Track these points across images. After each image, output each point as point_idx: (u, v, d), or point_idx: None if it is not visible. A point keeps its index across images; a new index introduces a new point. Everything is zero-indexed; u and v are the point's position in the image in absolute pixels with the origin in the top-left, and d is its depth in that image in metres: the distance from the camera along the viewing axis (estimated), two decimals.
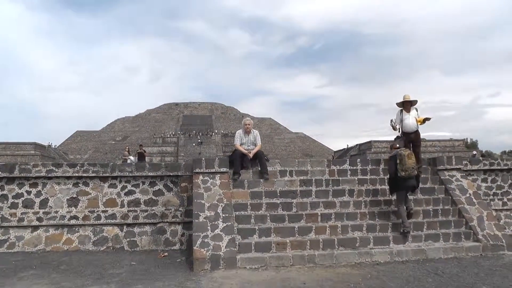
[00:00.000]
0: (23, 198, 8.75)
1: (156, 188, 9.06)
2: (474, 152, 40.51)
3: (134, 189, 9.00)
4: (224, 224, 7.54)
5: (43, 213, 8.67)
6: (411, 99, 9.07)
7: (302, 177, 9.04)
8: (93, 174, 8.87)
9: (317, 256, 7.16)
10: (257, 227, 7.71)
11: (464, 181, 9.31)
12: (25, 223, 8.58)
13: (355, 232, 7.88)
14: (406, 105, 9.09)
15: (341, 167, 9.40)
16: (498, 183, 10.53)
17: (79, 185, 8.92)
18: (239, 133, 9.35)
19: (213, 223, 7.56)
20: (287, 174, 9.08)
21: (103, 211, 8.81)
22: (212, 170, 8.61)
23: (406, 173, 7.75)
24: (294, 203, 8.35)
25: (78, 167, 8.93)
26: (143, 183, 9.05)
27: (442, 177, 9.35)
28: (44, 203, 8.77)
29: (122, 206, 8.91)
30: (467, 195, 8.93)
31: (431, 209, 8.60)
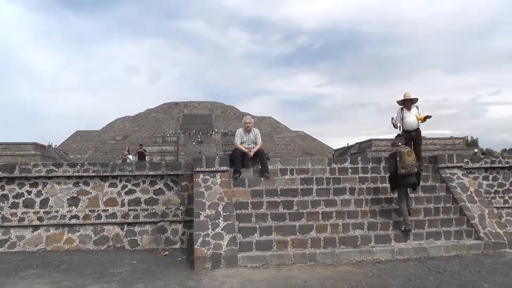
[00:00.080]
0: (23, 198, 8.74)
1: (157, 187, 9.04)
2: (476, 150, 40.48)
3: (135, 188, 8.99)
4: (225, 223, 7.53)
5: (44, 212, 8.66)
6: (412, 97, 9.05)
7: (303, 176, 9.03)
8: (94, 174, 8.86)
9: (318, 255, 7.14)
10: (258, 226, 7.70)
11: (466, 179, 9.29)
12: (25, 222, 8.56)
13: (356, 230, 7.86)
14: (407, 103, 9.07)
15: (342, 166, 9.39)
16: (500, 181, 10.51)
17: (80, 184, 8.91)
18: (240, 131, 9.32)
19: (214, 221, 7.55)
20: (288, 173, 9.06)
21: (103, 211, 8.79)
22: (212, 169, 8.59)
23: (406, 170, 7.73)
24: (295, 202, 8.33)
25: (78, 166, 8.92)
26: (144, 182, 9.04)
27: (443, 175, 9.34)
28: (44, 203, 8.76)
29: (123, 205, 8.90)
30: (469, 193, 8.91)
31: (432, 207, 8.58)
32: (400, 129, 9.11)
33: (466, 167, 9.92)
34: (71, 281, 6.14)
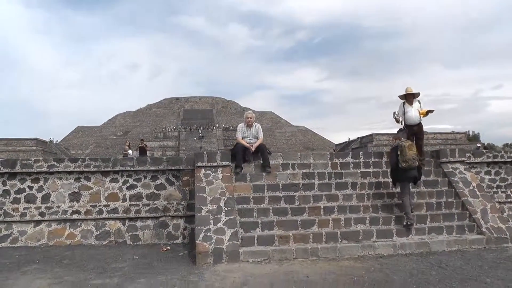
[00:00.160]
0: (25, 193, 8.74)
1: (158, 182, 9.03)
2: (478, 145, 40.40)
3: (136, 183, 8.98)
4: (227, 218, 7.52)
5: (45, 208, 8.66)
6: (414, 91, 9.01)
7: (304, 170, 9.01)
8: (95, 169, 8.85)
9: (320, 249, 7.13)
10: (259, 221, 7.69)
11: (468, 173, 9.26)
12: (27, 218, 8.57)
13: (358, 225, 7.85)
14: (409, 97, 9.03)
15: (344, 160, 9.36)
16: (502, 175, 10.48)
17: (81, 179, 8.90)
18: (241, 126, 9.30)
19: (216, 216, 7.54)
20: (290, 167, 9.04)
21: (105, 206, 8.79)
22: (214, 164, 8.58)
23: (407, 164, 7.71)
24: (296, 196, 8.32)
25: (79, 162, 8.91)
26: (145, 177, 9.03)
27: (445, 170, 9.31)
28: (46, 198, 8.76)
29: (124, 200, 8.89)
30: (471, 187, 8.89)
31: (434, 202, 8.56)
32: (402, 124, 9.08)
33: (468, 161, 9.89)
34: (73, 276, 6.14)
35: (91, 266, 6.77)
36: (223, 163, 8.62)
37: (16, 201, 8.69)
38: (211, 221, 7.45)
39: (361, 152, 9.77)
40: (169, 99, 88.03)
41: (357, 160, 9.38)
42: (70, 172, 8.86)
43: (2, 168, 8.69)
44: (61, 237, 8.58)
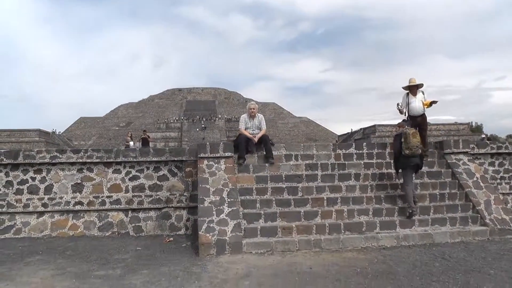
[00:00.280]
0: (28, 184, 8.74)
1: (161, 173, 9.02)
2: (483, 136, 40.22)
3: (139, 174, 8.97)
4: (230, 209, 7.50)
5: (48, 199, 8.66)
6: (417, 83, 8.94)
7: (307, 161, 8.97)
8: (97, 160, 8.84)
9: (323, 241, 7.12)
10: (262, 212, 7.67)
11: (471, 164, 9.21)
12: (30, 209, 8.58)
13: (361, 217, 7.83)
14: (412, 88, 8.97)
15: (347, 151, 9.32)
16: (506, 166, 10.42)
17: (84, 171, 8.90)
18: (244, 117, 9.25)
19: (219, 208, 7.52)
20: (293, 159, 9.01)
21: (107, 197, 8.79)
22: (217, 155, 8.55)
23: (411, 151, 7.71)
24: (299, 188, 8.29)
25: (82, 153, 8.89)
26: (148, 168, 9.01)
27: (449, 161, 9.26)
28: (49, 189, 8.76)
29: (127, 191, 8.89)
30: (474, 178, 8.84)
31: (437, 193, 8.53)
32: (405, 115, 9.02)
33: (472, 152, 9.83)
34: (76, 267, 6.15)
35: (94, 257, 6.78)
36: (226, 154, 8.59)
37: (19, 192, 8.70)
38: (214, 212, 7.44)
39: (364, 143, 9.72)
40: (172, 90, 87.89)
41: (360, 151, 9.34)
42: (72, 163, 8.85)
43: (5, 159, 8.68)
44: (64, 228, 8.60)
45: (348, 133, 53.07)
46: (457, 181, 8.82)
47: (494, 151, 10.34)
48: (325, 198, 8.10)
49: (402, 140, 7.85)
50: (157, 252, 7.13)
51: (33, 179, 8.77)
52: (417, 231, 7.63)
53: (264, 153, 8.88)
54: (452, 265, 6.03)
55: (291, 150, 9.23)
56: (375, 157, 9.27)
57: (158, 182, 8.98)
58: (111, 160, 8.86)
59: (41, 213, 8.63)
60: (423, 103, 8.88)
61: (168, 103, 79.24)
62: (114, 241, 8.10)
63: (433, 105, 8.94)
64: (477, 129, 65.32)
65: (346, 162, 9.02)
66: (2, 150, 9.04)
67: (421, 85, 9.01)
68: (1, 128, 39.45)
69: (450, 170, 9.09)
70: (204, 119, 63.16)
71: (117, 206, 8.76)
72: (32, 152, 8.83)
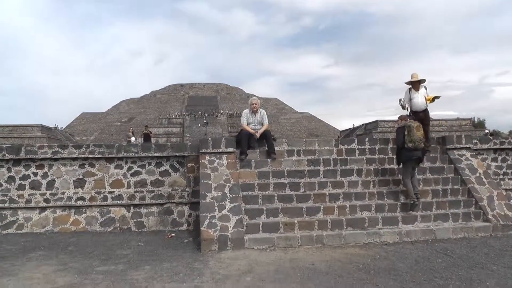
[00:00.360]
0: (30, 180, 8.75)
1: (163, 168, 9.01)
2: (487, 131, 40.04)
3: (140, 169, 8.96)
4: (232, 205, 7.49)
5: (50, 194, 8.67)
6: (420, 78, 8.89)
7: (309, 157, 8.95)
8: (99, 155, 8.83)
9: (326, 237, 7.11)
10: (264, 208, 7.66)
11: (474, 160, 9.17)
12: (32, 204, 8.59)
13: (364, 212, 7.81)
14: (415, 83, 8.91)
15: (349, 147, 9.29)
16: (509, 162, 10.37)
17: (85, 166, 8.89)
18: (246, 112, 9.22)
19: (220, 203, 7.51)
20: (295, 154, 8.99)
21: (109, 192, 8.79)
22: (218, 150, 8.53)
23: (414, 144, 7.72)
24: (302, 183, 8.27)
25: (83, 148, 8.88)
26: (149, 163, 9.00)
27: (451, 156, 9.22)
28: (50, 185, 8.76)
29: (129, 187, 8.89)
30: (477, 174, 8.81)
31: (440, 189, 8.50)
32: (408, 110, 8.97)
33: (474, 148, 9.79)
34: (78, 263, 6.16)
35: (96, 252, 6.78)
36: (228, 150, 8.57)
37: (21, 187, 8.71)
38: (216, 208, 7.43)
39: (366, 139, 9.68)
40: (173, 85, 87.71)
41: (362, 147, 9.31)
42: (74, 159, 8.85)
43: (7, 155, 8.68)
44: (66, 224, 8.61)
45: (350, 128, 52.89)
46: (459, 176, 8.79)
47: (497, 146, 10.28)
48: (327, 193, 8.08)
49: (406, 133, 7.84)
50: (159, 247, 7.13)
51: (35, 174, 8.78)
52: (419, 227, 7.61)
53: (266, 148, 8.85)
54: (455, 261, 6.01)
55: (293, 145, 9.20)
56: (377, 153, 9.24)
57: (160, 178, 8.97)
58: (113, 155, 8.85)
59: (43, 209, 8.64)
60: (425, 98, 8.83)
61: (170, 99, 79.13)
62: (116, 236, 8.10)
63: (436, 100, 8.89)
64: (480, 125, 65.05)
65: (348, 158, 8.99)
66: (4, 146, 9.04)
67: (423, 80, 8.95)
68: (3, 124, 39.49)
69: (452, 165, 9.06)
70: (206, 114, 63.05)
71: (119, 202, 8.76)
72: (34, 148, 8.83)
